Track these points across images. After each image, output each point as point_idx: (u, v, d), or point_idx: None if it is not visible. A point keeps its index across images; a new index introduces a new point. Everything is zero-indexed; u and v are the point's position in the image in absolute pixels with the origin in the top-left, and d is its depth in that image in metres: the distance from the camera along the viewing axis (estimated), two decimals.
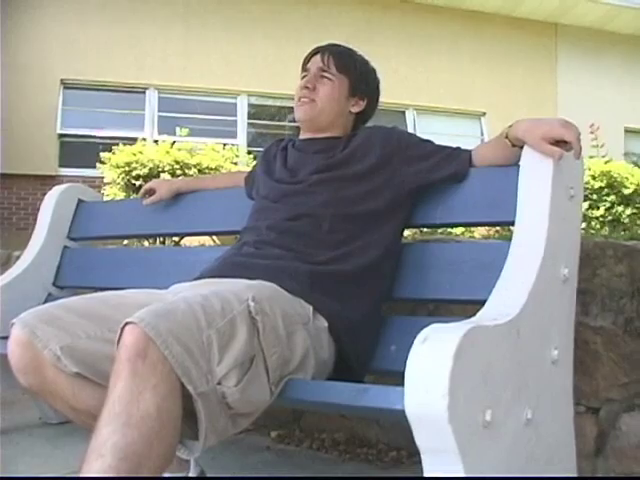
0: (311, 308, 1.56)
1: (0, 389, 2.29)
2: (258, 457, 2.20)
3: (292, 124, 9.45)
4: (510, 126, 1.63)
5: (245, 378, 1.29)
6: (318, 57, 1.90)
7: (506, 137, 1.64)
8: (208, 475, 1.66)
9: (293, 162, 1.90)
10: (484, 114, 10.38)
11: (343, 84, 1.88)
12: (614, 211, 6.16)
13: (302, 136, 1.95)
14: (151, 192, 2.40)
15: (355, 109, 1.92)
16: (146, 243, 4.74)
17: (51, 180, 7.86)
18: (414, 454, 1.45)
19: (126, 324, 1.20)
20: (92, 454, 1.12)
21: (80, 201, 2.68)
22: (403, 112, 10.15)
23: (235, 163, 6.62)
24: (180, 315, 1.24)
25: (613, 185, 6.24)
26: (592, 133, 6.52)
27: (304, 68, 1.92)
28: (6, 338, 1.45)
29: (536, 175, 1.54)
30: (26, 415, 2.63)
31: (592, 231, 5.69)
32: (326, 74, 1.87)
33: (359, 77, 1.91)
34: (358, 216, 1.74)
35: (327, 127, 1.89)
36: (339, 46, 1.95)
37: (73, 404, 1.43)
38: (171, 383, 1.18)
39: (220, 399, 1.26)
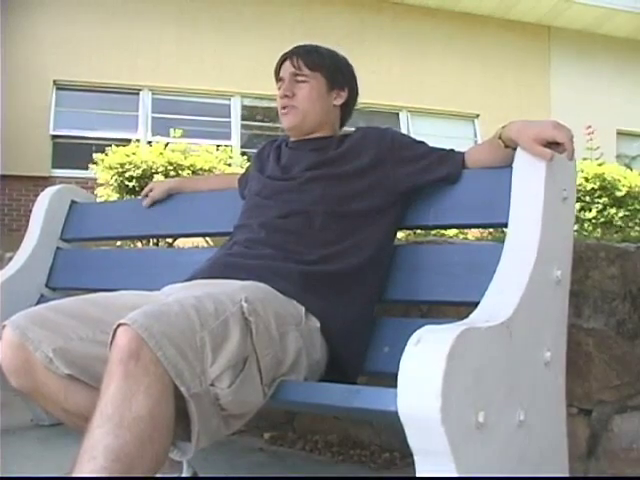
0: (303, 309, 1.56)
1: None
2: (251, 458, 2.20)
3: None
4: (504, 127, 1.64)
5: (238, 379, 1.29)
6: (287, 63, 1.90)
7: (499, 138, 1.64)
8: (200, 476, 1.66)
9: (286, 159, 1.90)
10: (477, 116, 10.41)
11: (320, 81, 1.88)
12: (606, 213, 6.18)
13: (293, 139, 1.95)
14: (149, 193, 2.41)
15: (338, 101, 1.92)
16: (139, 244, 4.73)
17: (44, 181, 7.82)
18: (407, 455, 1.45)
19: (119, 325, 1.20)
20: (84, 455, 1.12)
21: (73, 202, 2.67)
22: (397, 114, 10.16)
23: (229, 164, 6.61)
24: (173, 317, 1.24)
25: (606, 187, 6.26)
26: (589, 135, 6.54)
27: (277, 78, 1.93)
28: None
29: (529, 177, 1.54)
30: (18, 417, 2.62)
31: (584, 233, 5.70)
32: (300, 77, 1.87)
33: (333, 69, 1.90)
34: (350, 215, 1.74)
35: (316, 128, 1.89)
36: (304, 46, 1.94)
37: (65, 406, 1.43)
38: (164, 384, 1.18)
39: (213, 400, 1.26)
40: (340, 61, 1.96)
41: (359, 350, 1.69)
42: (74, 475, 1.12)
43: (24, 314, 1.44)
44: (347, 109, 1.97)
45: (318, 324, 1.57)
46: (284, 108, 1.88)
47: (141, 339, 1.17)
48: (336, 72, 1.92)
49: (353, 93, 1.96)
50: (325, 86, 1.89)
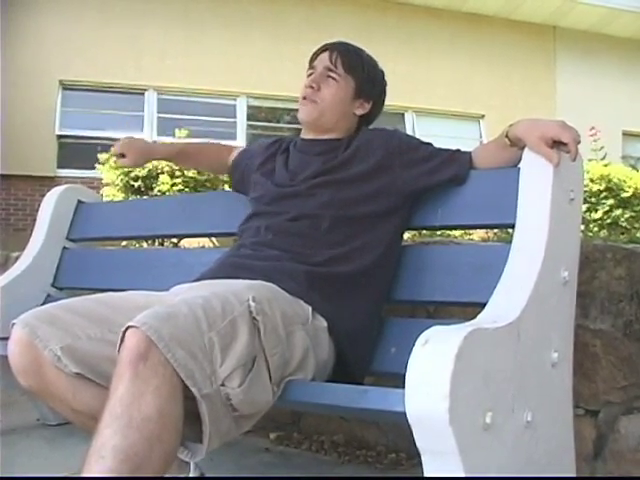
0: (310, 308, 1.56)
1: None
2: (257, 459, 2.20)
3: (290, 126, 9.45)
4: (511, 125, 1.63)
5: (248, 378, 1.29)
6: (326, 55, 1.87)
7: (506, 136, 1.64)
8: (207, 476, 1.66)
9: (294, 164, 1.89)
10: (483, 116, 10.40)
11: (349, 85, 1.86)
12: (612, 214, 6.17)
13: (304, 135, 1.94)
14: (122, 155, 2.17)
15: (359, 111, 1.90)
16: (145, 244, 4.73)
17: (50, 181, 7.85)
18: (413, 456, 1.45)
19: (127, 327, 1.20)
20: (93, 455, 1.12)
21: (79, 202, 2.67)
22: (402, 114, 10.16)
23: None
24: (182, 318, 1.24)
25: (611, 188, 6.25)
26: (592, 136, 6.53)
27: (311, 65, 1.90)
28: (5, 339, 1.45)
29: (536, 178, 1.54)
30: (24, 416, 2.63)
31: (590, 234, 5.70)
32: (332, 74, 1.85)
33: (366, 78, 1.88)
34: (357, 217, 1.74)
35: (330, 129, 1.88)
36: (348, 45, 1.91)
37: (73, 405, 1.43)
38: (172, 385, 1.18)
39: (224, 400, 1.26)
40: (377, 73, 1.95)
41: (366, 350, 1.69)
42: (83, 475, 1.12)
43: (33, 312, 1.44)
44: (366, 121, 1.95)
45: (325, 324, 1.57)
46: (304, 98, 1.86)
47: (150, 341, 1.17)
48: (368, 82, 1.90)
49: (376, 109, 1.95)
50: (352, 92, 1.87)
